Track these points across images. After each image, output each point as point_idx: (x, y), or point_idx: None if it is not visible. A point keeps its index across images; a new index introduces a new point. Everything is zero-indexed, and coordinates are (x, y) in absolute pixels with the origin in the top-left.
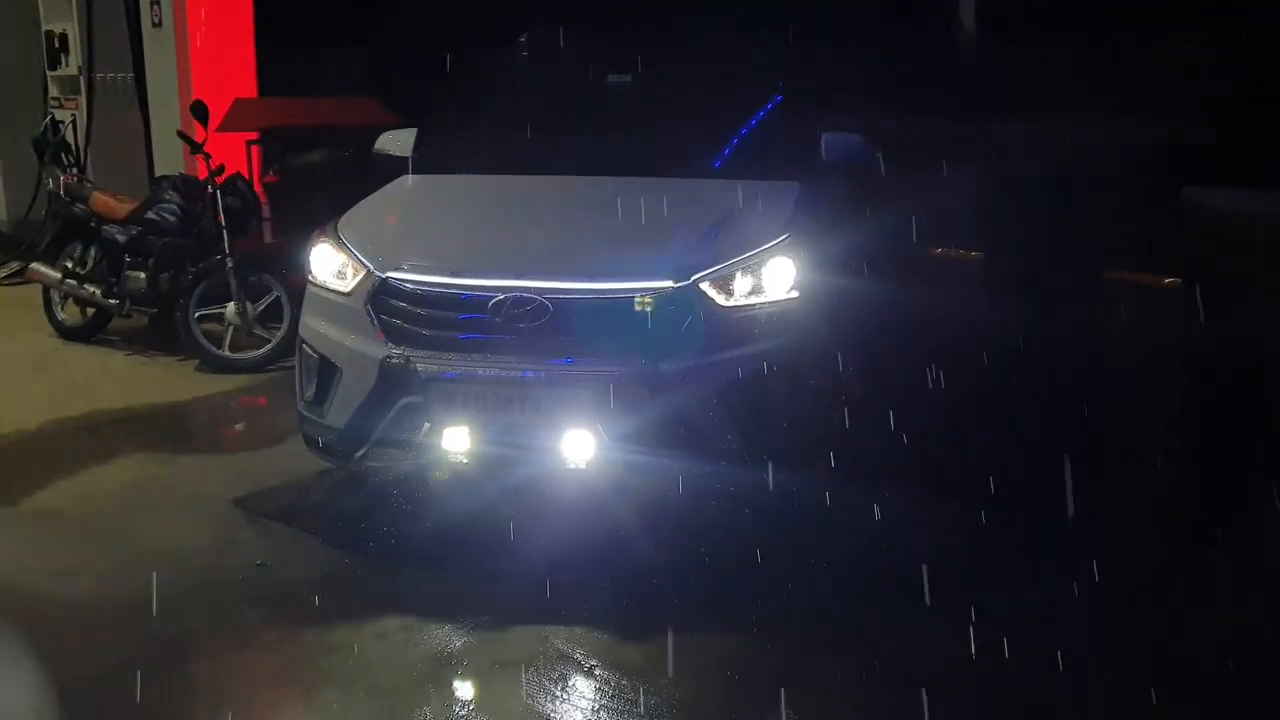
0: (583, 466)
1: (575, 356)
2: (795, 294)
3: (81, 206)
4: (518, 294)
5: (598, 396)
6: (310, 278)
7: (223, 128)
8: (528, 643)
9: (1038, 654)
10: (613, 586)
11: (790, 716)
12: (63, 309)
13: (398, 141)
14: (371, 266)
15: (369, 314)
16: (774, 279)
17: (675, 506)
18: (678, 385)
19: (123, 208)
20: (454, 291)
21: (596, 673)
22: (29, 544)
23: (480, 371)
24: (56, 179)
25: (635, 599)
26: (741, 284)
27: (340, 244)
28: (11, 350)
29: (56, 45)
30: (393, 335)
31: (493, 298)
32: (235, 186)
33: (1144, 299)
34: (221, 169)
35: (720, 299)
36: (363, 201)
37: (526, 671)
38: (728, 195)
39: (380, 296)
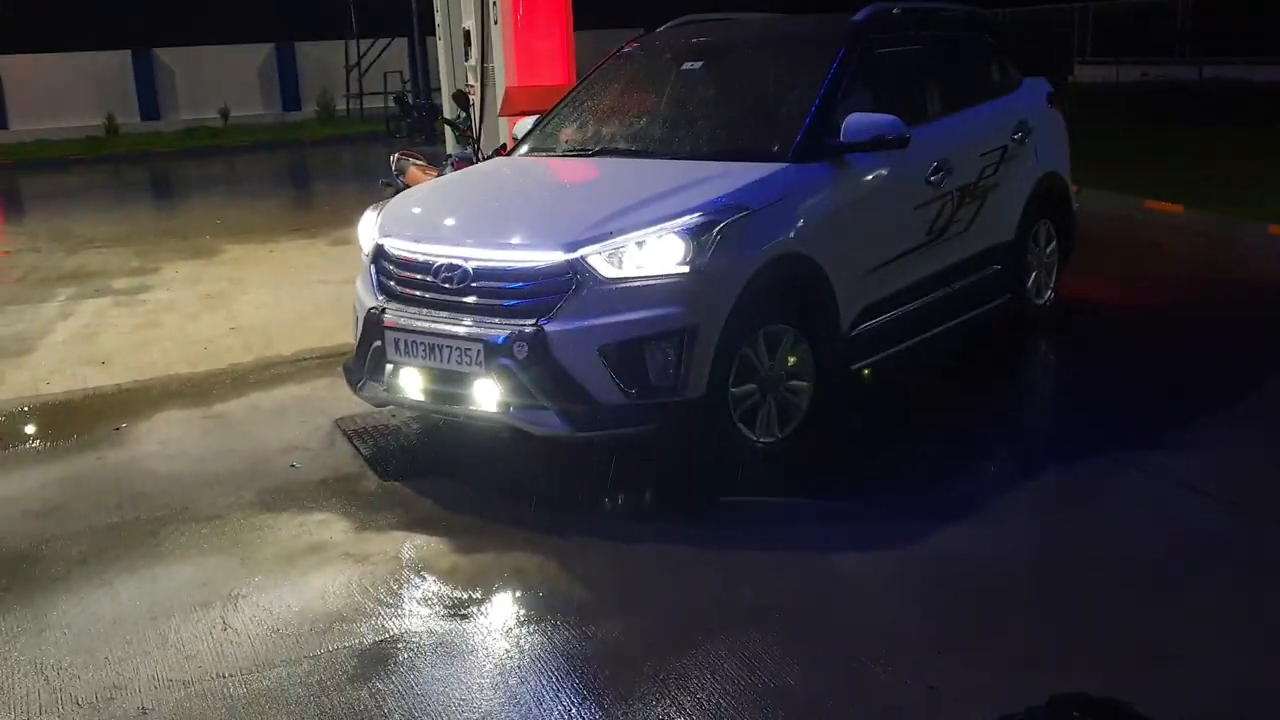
0: (493, 411)
1: (486, 315)
2: (684, 269)
3: (401, 179)
4: (450, 260)
5: (495, 351)
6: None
7: (501, 112)
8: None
9: None
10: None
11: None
12: None
13: (523, 128)
14: (376, 233)
15: (370, 272)
16: (662, 255)
17: (561, 447)
18: (559, 344)
19: (427, 179)
20: (413, 256)
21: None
22: None
23: (419, 323)
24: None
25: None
26: (630, 258)
27: (375, 216)
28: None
29: (465, 41)
30: (382, 290)
31: (434, 262)
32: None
33: None
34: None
35: (605, 270)
36: (425, 182)
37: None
38: (695, 175)
39: (378, 258)
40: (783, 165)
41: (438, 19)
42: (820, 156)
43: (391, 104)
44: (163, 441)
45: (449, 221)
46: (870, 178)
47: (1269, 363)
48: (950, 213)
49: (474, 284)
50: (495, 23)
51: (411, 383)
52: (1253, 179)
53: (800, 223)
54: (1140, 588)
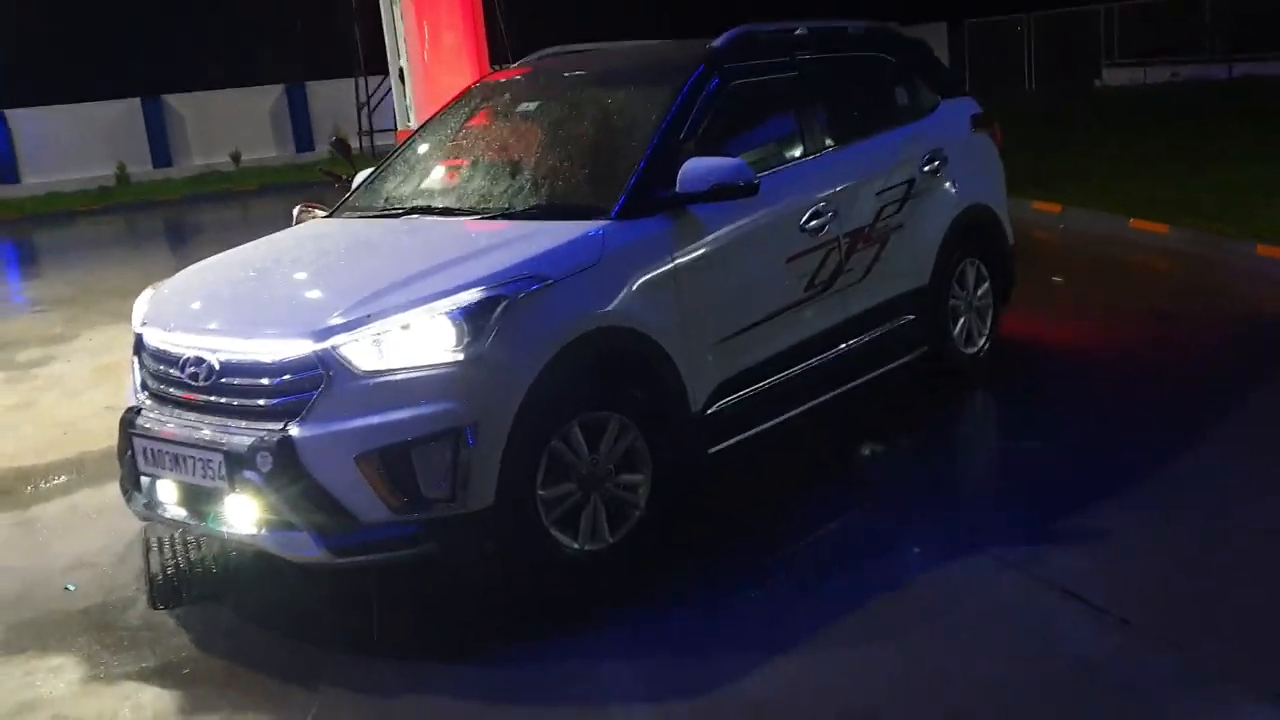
0: (247, 531)
1: (235, 418)
2: (457, 357)
3: None
4: (197, 352)
5: (237, 463)
6: None
7: None
8: None
9: None
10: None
11: None
12: None
13: (359, 180)
14: (137, 318)
15: (132, 365)
16: (429, 341)
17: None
18: (309, 453)
19: None
20: (163, 348)
21: None
22: None
23: (165, 428)
24: None
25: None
26: (392, 346)
27: (149, 296)
28: None
29: (399, 79)
30: (143, 386)
31: (181, 355)
32: None
33: None
34: None
35: (360, 362)
36: (216, 255)
37: None
38: (495, 238)
39: (138, 347)
40: (604, 223)
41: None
42: (653, 210)
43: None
44: None
45: (200, 306)
46: (721, 232)
47: (1223, 420)
48: (837, 263)
49: (221, 380)
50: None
51: (168, 497)
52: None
53: (625, 290)
54: None
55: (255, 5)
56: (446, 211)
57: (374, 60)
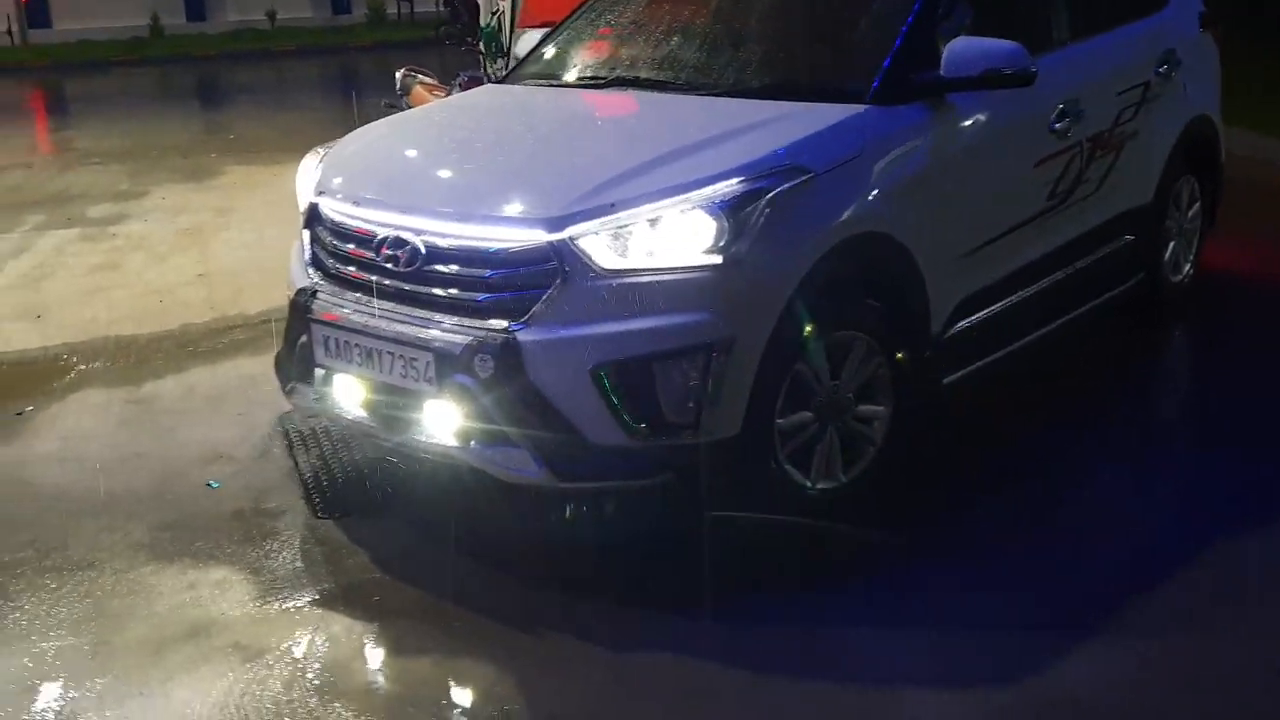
0: (448, 443)
1: (441, 312)
2: (715, 259)
3: (405, 100)
4: (397, 232)
5: (449, 364)
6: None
7: (520, 23)
8: None
9: None
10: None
11: None
12: None
13: (526, 45)
14: (311, 188)
15: (303, 240)
16: (683, 238)
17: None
18: (536, 360)
19: (431, 100)
20: (351, 223)
21: None
22: None
23: (354, 317)
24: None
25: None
26: (639, 241)
27: (316, 163)
28: None
29: None
30: (316, 266)
31: (376, 234)
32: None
33: None
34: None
35: (602, 259)
36: (385, 119)
37: None
38: (739, 119)
39: (312, 221)
40: (860, 108)
41: None
42: (911, 96)
43: (442, 7)
44: (66, 436)
45: (401, 178)
46: (978, 125)
47: None
48: (1079, 169)
49: (426, 267)
50: None
51: (348, 394)
52: None
53: (882, 189)
54: None
55: None
56: (660, 85)
57: None
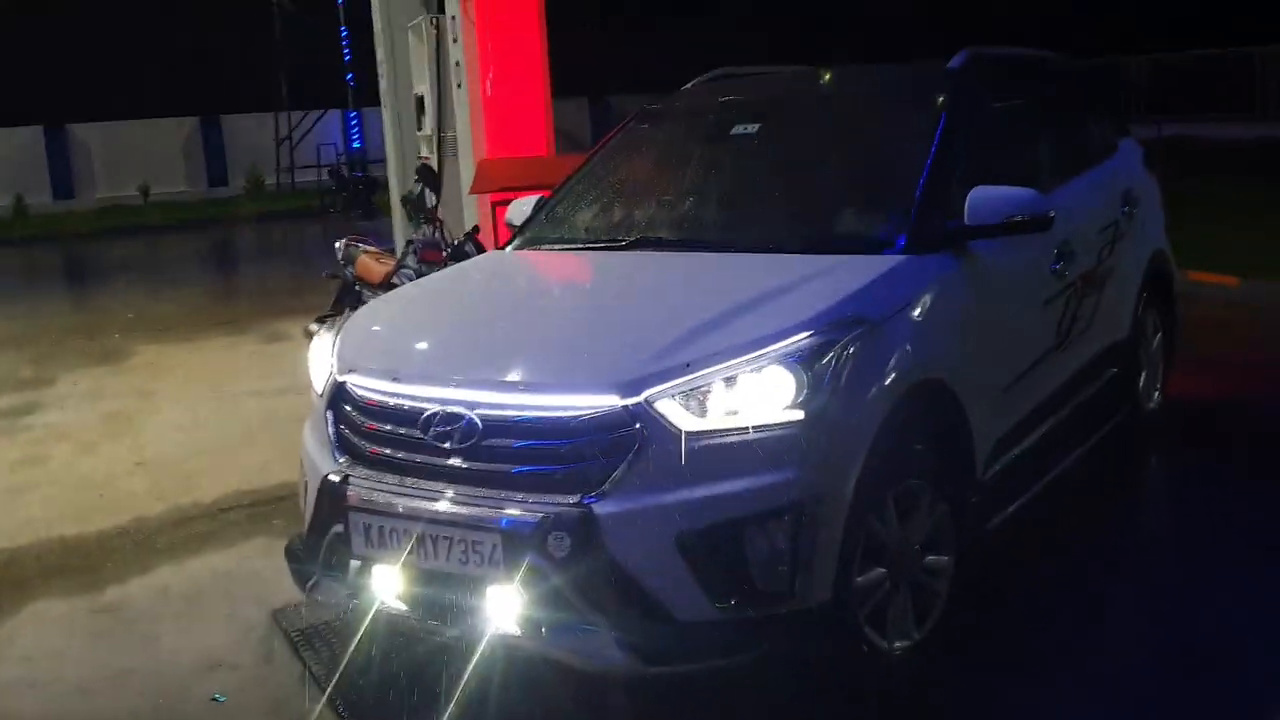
0: (516, 632)
1: (501, 490)
2: (796, 415)
3: (350, 270)
4: (448, 408)
5: (519, 545)
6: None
7: (472, 189)
8: None
9: None
10: None
11: None
12: None
13: (520, 211)
14: (334, 366)
15: (326, 421)
16: (763, 395)
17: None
18: (617, 533)
19: (380, 270)
20: (391, 400)
21: None
22: None
23: (401, 501)
24: (420, 233)
25: None
26: (717, 401)
27: (333, 341)
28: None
29: (418, 108)
30: (344, 449)
31: (423, 410)
32: (464, 251)
33: None
34: (439, 230)
35: (681, 421)
36: (399, 289)
37: None
38: (781, 275)
39: (337, 401)
40: (898, 258)
41: (383, 85)
42: (940, 245)
43: (326, 177)
44: (30, 657)
45: (442, 350)
46: (997, 269)
47: None
48: (1075, 307)
49: (484, 442)
50: (459, 86)
51: (390, 586)
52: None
53: (929, 336)
54: None
55: (167, 33)
56: (683, 244)
57: (296, 95)
